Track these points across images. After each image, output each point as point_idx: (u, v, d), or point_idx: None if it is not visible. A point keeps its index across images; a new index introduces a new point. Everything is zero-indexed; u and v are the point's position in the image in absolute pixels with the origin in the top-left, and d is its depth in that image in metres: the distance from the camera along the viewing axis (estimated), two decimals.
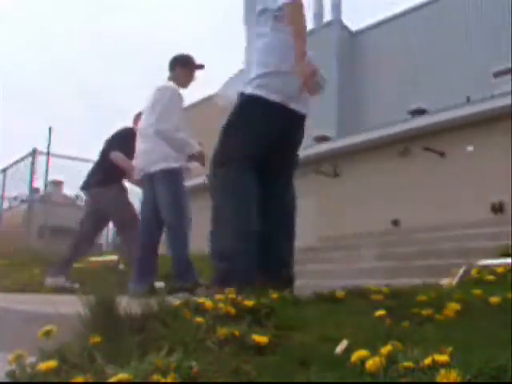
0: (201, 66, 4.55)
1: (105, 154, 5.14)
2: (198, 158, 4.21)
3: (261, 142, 2.71)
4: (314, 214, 14.42)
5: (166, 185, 4.07)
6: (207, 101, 24.50)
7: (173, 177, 4.12)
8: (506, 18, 15.10)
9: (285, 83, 2.66)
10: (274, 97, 2.63)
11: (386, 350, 1.23)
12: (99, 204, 5.14)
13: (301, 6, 2.62)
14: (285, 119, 2.70)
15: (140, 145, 4.29)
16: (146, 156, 4.21)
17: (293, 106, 2.71)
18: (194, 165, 4.32)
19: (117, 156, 4.94)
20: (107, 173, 5.04)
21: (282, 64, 2.65)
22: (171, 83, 4.33)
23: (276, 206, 2.94)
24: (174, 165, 4.14)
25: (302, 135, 2.98)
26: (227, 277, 2.48)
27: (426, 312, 1.89)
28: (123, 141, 4.99)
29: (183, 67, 4.42)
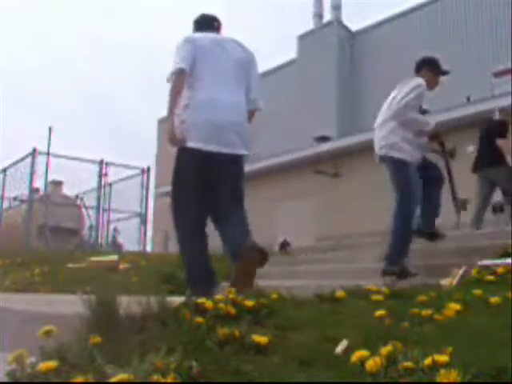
0: (446, 72, 4.85)
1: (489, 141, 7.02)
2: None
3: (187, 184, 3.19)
4: (314, 213, 14.43)
5: None
6: None
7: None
8: (506, 18, 15.11)
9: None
10: (190, 144, 3.11)
11: (385, 350, 1.23)
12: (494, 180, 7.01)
13: (176, 75, 3.13)
14: (202, 161, 3.11)
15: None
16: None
17: (209, 148, 3.10)
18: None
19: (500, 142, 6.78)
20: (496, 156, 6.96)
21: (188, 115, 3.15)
22: (421, 79, 4.63)
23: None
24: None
25: (231, 171, 3.23)
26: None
27: (425, 312, 1.89)
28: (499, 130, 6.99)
29: (429, 71, 4.75)
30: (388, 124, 4.48)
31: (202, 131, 3.10)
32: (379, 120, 4.64)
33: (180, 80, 3.13)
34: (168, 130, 3.13)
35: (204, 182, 3.15)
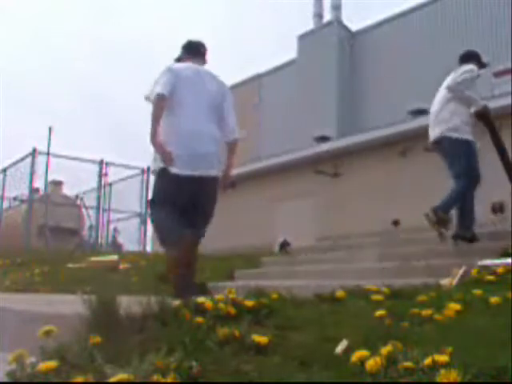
0: (486, 65, 5.24)
1: None
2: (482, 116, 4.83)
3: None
4: (314, 213, 14.41)
5: None
6: None
7: None
8: (506, 18, 15.10)
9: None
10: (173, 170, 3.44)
11: (385, 350, 1.23)
12: None
13: (156, 100, 3.36)
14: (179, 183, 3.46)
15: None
16: None
17: (185, 172, 3.43)
18: None
19: None
20: None
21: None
22: (473, 65, 4.94)
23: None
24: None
25: (204, 192, 3.60)
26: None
27: (425, 312, 1.89)
28: None
29: (476, 63, 5.03)
30: (447, 107, 4.90)
31: (183, 160, 3.41)
32: (436, 107, 5.07)
33: (160, 105, 3.37)
34: (158, 151, 3.39)
35: (182, 201, 3.49)
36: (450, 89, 4.89)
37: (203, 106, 3.55)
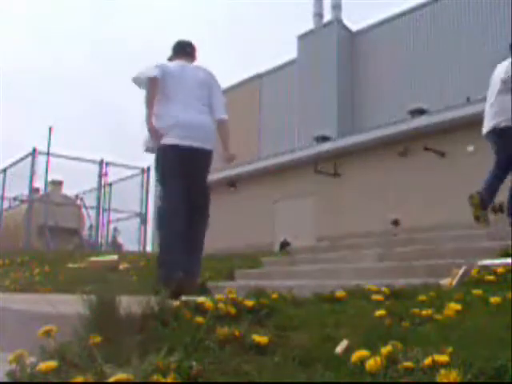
0: None
1: None
2: None
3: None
4: (314, 213, 14.43)
5: None
6: None
7: None
8: (506, 18, 15.10)
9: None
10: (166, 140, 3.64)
11: (386, 350, 1.23)
12: None
13: (149, 82, 3.58)
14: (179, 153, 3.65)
15: None
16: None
17: (184, 142, 3.64)
18: None
19: None
20: None
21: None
22: None
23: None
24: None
25: (199, 164, 3.84)
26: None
27: (425, 312, 1.89)
28: None
29: None
30: (503, 99, 5.01)
31: (177, 131, 3.62)
32: (491, 99, 5.17)
33: (153, 86, 3.58)
34: (148, 128, 3.58)
35: (182, 171, 3.67)
36: (503, 81, 5.01)
37: (191, 97, 3.76)
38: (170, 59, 4.03)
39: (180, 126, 3.65)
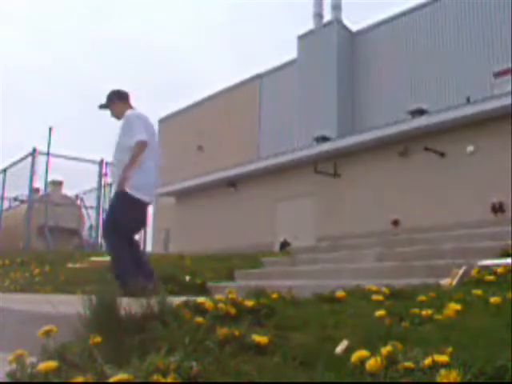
0: None
1: None
2: None
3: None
4: (314, 213, 14.42)
5: None
6: (208, 101, 24.53)
7: None
8: (506, 18, 15.10)
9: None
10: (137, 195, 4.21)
11: (386, 350, 1.23)
12: None
13: (141, 146, 4.10)
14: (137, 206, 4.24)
15: None
16: None
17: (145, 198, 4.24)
18: None
19: None
20: None
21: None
22: None
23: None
24: None
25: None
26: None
27: (425, 312, 1.89)
28: None
29: None
30: None
31: (147, 189, 4.23)
32: None
33: (144, 150, 4.12)
34: (125, 177, 4.10)
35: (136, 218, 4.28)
36: None
37: (156, 147, 4.41)
38: (111, 104, 4.50)
39: (151, 185, 4.46)
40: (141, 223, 4.46)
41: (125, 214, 4.14)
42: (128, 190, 4.09)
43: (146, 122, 4.30)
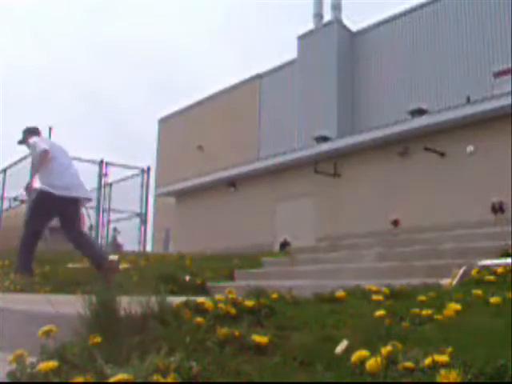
0: None
1: None
2: None
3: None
4: (314, 213, 14.42)
5: None
6: (208, 101, 24.53)
7: None
8: (506, 18, 15.10)
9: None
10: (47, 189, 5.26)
11: (386, 350, 1.23)
12: None
13: (44, 153, 5.21)
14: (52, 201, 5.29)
15: None
16: None
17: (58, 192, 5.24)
18: None
19: None
20: None
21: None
22: None
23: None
24: None
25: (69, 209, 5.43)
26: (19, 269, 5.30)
27: (425, 312, 1.89)
28: None
29: None
30: None
31: (60, 187, 5.21)
32: None
33: (47, 156, 5.17)
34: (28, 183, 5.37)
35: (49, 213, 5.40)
36: None
37: (65, 158, 5.57)
38: (27, 138, 5.57)
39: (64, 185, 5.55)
40: (51, 215, 5.44)
41: (35, 209, 5.31)
42: (43, 187, 5.14)
43: (46, 140, 5.64)
